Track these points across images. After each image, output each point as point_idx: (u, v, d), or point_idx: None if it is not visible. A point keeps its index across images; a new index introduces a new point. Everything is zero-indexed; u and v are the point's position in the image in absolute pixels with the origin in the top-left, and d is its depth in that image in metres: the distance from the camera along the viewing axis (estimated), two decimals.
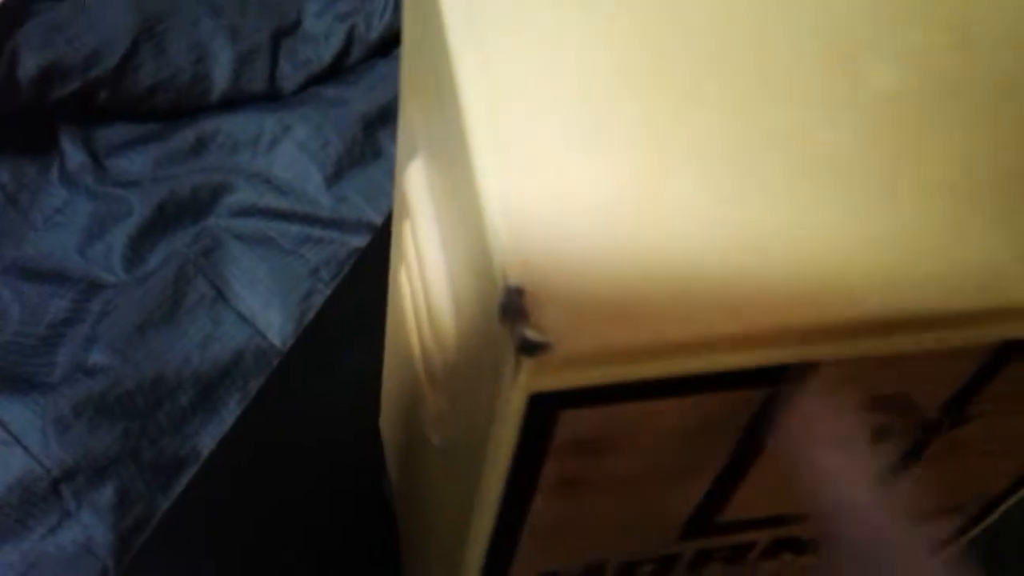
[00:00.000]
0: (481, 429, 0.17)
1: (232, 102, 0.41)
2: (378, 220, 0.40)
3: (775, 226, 0.16)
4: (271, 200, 0.40)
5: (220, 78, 0.41)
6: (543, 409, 0.15)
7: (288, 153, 0.41)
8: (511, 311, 0.14)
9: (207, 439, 0.34)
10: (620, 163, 0.16)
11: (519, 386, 0.15)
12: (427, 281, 0.20)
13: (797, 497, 0.21)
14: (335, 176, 0.41)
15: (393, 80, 0.36)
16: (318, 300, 0.39)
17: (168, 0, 0.40)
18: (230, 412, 0.35)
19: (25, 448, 0.31)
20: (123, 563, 0.32)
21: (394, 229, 0.26)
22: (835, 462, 0.19)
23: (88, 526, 0.31)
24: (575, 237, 0.15)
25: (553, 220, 0.15)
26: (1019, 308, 0.16)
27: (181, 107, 0.40)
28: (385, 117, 0.42)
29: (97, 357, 0.33)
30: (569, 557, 0.21)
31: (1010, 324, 0.17)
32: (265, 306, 0.37)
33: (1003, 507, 0.25)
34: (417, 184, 0.21)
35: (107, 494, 0.32)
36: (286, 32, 0.43)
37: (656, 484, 0.19)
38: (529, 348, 0.14)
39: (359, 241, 0.40)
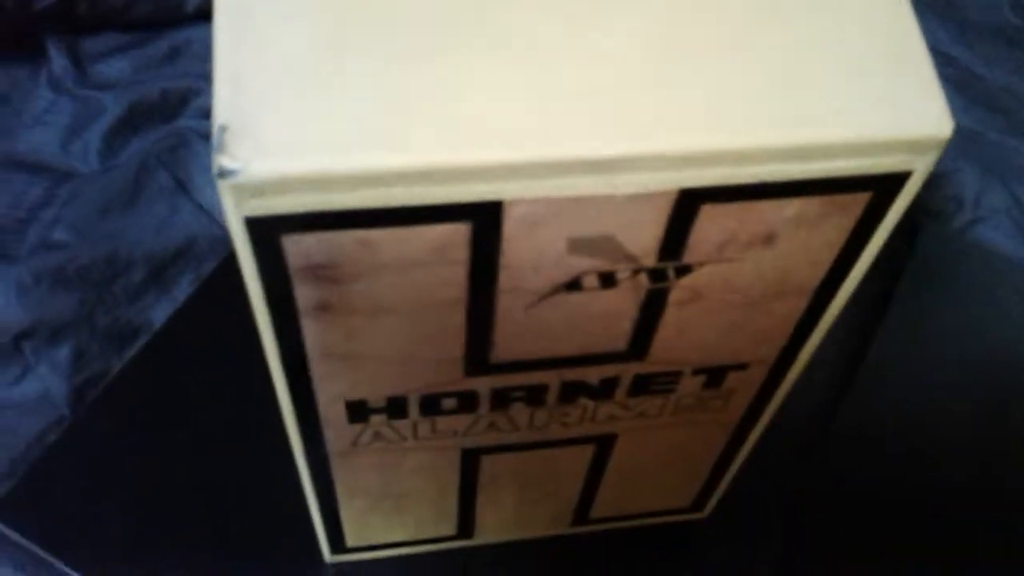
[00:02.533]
0: None
1: (206, 13, 0.45)
2: None
3: (465, 75, 0.18)
4: None
5: None
6: (263, 233, 0.19)
7: None
8: (218, 146, 0.18)
9: (160, 313, 0.39)
10: (326, 22, 0.19)
11: (231, 210, 0.18)
12: None
13: (555, 341, 0.24)
14: None
15: None
16: None
17: None
18: (182, 291, 0.40)
19: None
20: (78, 413, 0.37)
21: None
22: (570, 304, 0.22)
23: (46, 379, 0.36)
24: (283, 83, 0.18)
25: (267, 69, 0.18)
26: (687, 156, 0.19)
27: (158, 18, 0.44)
28: None
29: (59, 235, 0.38)
30: (367, 388, 0.24)
31: (682, 172, 0.19)
32: None
33: (799, 362, 0.27)
34: None
35: (64, 352, 0.36)
36: None
37: (411, 315, 0.22)
38: (223, 174, 0.17)
39: None
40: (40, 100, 0.42)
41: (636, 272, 0.22)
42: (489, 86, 0.19)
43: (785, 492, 0.37)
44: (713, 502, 0.36)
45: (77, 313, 0.37)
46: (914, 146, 0.19)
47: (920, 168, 0.20)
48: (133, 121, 0.42)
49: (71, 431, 0.36)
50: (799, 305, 0.24)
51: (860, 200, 0.21)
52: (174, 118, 0.43)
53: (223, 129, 0.18)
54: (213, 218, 0.41)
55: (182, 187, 0.41)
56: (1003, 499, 0.38)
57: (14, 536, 0.34)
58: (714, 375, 0.27)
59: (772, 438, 0.37)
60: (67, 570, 0.33)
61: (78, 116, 0.42)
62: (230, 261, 0.42)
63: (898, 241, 0.44)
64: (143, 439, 0.37)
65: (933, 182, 0.46)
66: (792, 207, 0.20)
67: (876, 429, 0.39)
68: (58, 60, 0.43)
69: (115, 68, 0.43)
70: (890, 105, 0.19)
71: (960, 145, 0.45)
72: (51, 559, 0.33)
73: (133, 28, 0.44)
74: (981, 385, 0.40)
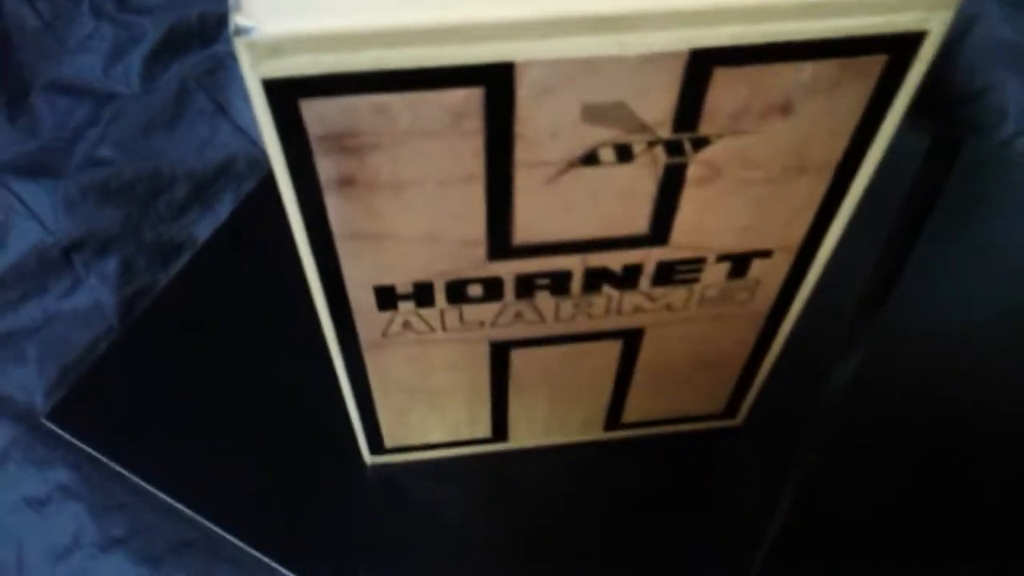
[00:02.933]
0: None
1: None
2: None
3: None
4: None
5: None
6: (281, 97, 0.19)
7: None
8: (234, 5, 0.18)
9: (203, 229, 0.40)
10: None
11: (248, 72, 0.19)
12: None
13: (576, 222, 0.24)
14: None
15: None
16: None
17: None
18: (224, 208, 0.41)
19: (39, 220, 0.37)
20: (126, 323, 0.38)
21: None
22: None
23: (96, 290, 0.37)
24: None
25: None
26: (696, 11, 0.19)
27: None
28: None
29: (104, 152, 0.39)
30: (394, 271, 0.25)
31: (693, 30, 0.19)
32: None
33: (824, 249, 0.27)
34: None
35: (112, 265, 0.38)
36: None
37: (432, 192, 0.22)
38: (239, 32, 0.18)
39: None
40: (83, 26, 0.43)
41: (652, 144, 0.22)
42: None
43: (819, 402, 0.37)
44: (746, 408, 0.36)
45: (123, 227, 0.38)
46: (926, 2, 0.19)
47: (935, 28, 0.20)
48: (172, 45, 0.43)
49: (120, 341, 0.38)
50: (821, 183, 0.24)
51: (876, 63, 0.21)
52: (212, 42, 0.43)
53: None
54: (251, 139, 0.42)
55: (221, 109, 0.42)
56: None
57: (68, 438, 0.35)
58: (738, 263, 0.27)
59: (806, 349, 0.37)
60: (117, 468, 0.34)
61: (119, 41, 0.43)
62: (269, 180, 0.42)
63: (941, 154, 0.44)
64: (189, 349, 0.38)
65: (976, 95, 0.45)
66: (807, 71, 0.20)
67: (915, 340, 0.39)
68: None
69: None
70: None
71: (1003, 57, 0.44)
72: (102, 458, 0.35)
73: None
74: (1019, 296, 0.40)
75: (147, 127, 0.40)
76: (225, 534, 0.33)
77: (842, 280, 0.40)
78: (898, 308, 0.40)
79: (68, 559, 0.33)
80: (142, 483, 0.34)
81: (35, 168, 0.39)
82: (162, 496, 0.34)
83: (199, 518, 0.33)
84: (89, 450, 0.35)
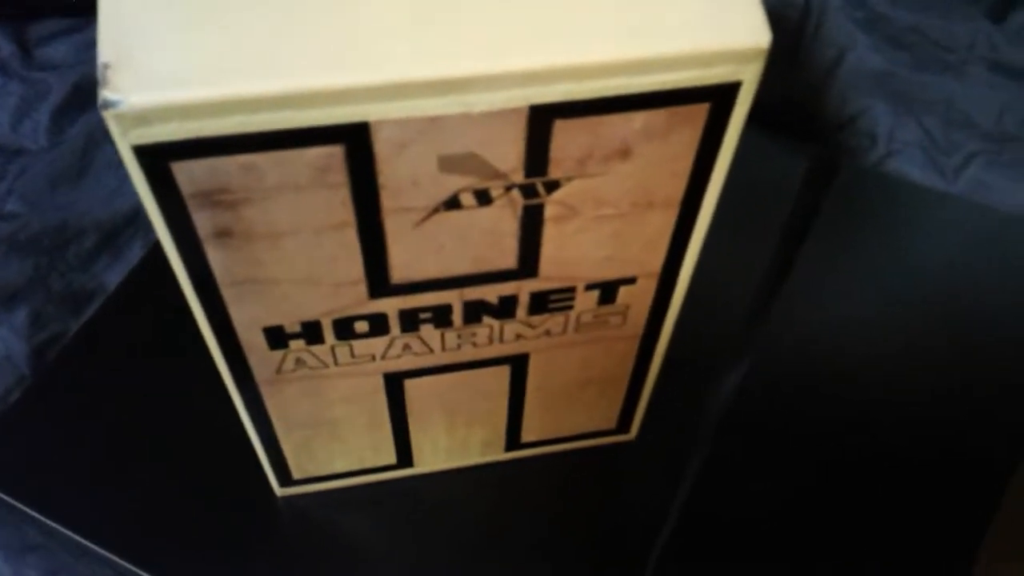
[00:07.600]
0: None
1: None
2: None
3: (325, 9, 0.21)
4: None
5: None
6: (152, 160, 0.21)
7: None
8: (101, 81, 0.20)
9: (113, 276, 0.41)
10: None
11: (118, 139, 0.20)
12: None
13: (449, 260, 0.26)
14: None
15: None
16: None
17: None
18: (134, 255, 0.42)
19: None
20: (38, 372, 0.39)
21: None
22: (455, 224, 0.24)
23: (6, 341, 0.38)
24: (159, 22, 0.20)
25: (145, 10, 0.20)
26: (530, 73, 0.21)
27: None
28: None
29: (11, 207, 0.40)
30: (280, 313, 0.27)
31: (529, 89, 0.21)
32: None
33: (684, 273, 0.29)
34: None
35: (21, 316, 0.39)
36: None
37: (307, 239, 0.24)
38: (106, 105, 0.20)
39: None
40: None
41: (508, 188, 0.24)
42: (346, 20, 0.21)
43: (707, 414, 0.40)
44: (637, 423, 0.38)
45: (32, 278, 0.39)
46: (738, 57, 0.22)
47: (748, 78, 0.22)
48: (78, 100, 0.44)
49: (33, 388, 0.39)
50: (670, 216, 0.26)
51: (700, 111, 0.23)
52: None
53: (106, 66, 0.20)
54: None
55: None
56: (913, 416, 0.40)
57: None
58: (606, 290, 0.29)
59: (693, 365, 0.40)
60: (31, 512, 0.35)
61: (26, 97, 0.44)
62: None
63: (818, 176, 0.47)
64: (101, 393, 0.39)
65: (848, 121, 0.48)
66: (639, 119, 0.23)
67: (795, 352, 0.42)
68: (5, 46, 0.45)
69: (59, 51, 0.45)
70: (714, 21, 0.22)
71: (872, 85, 0.48)
72: (15, 503, 0.35)
73: (74, 13, 0.46)
74: (893, 308, 0.43)
75: (55, 180, 0.41)
76: (140, 571, 0.34)
77: (725, 296, 0.43)
78: (780, 321, 0.42)
79: None
80: (56, 525, 0.35)
81: None
82: (76, 537, 0.35)
83: (113, 557, 0.34)
84: (3, 495, 0.36)
